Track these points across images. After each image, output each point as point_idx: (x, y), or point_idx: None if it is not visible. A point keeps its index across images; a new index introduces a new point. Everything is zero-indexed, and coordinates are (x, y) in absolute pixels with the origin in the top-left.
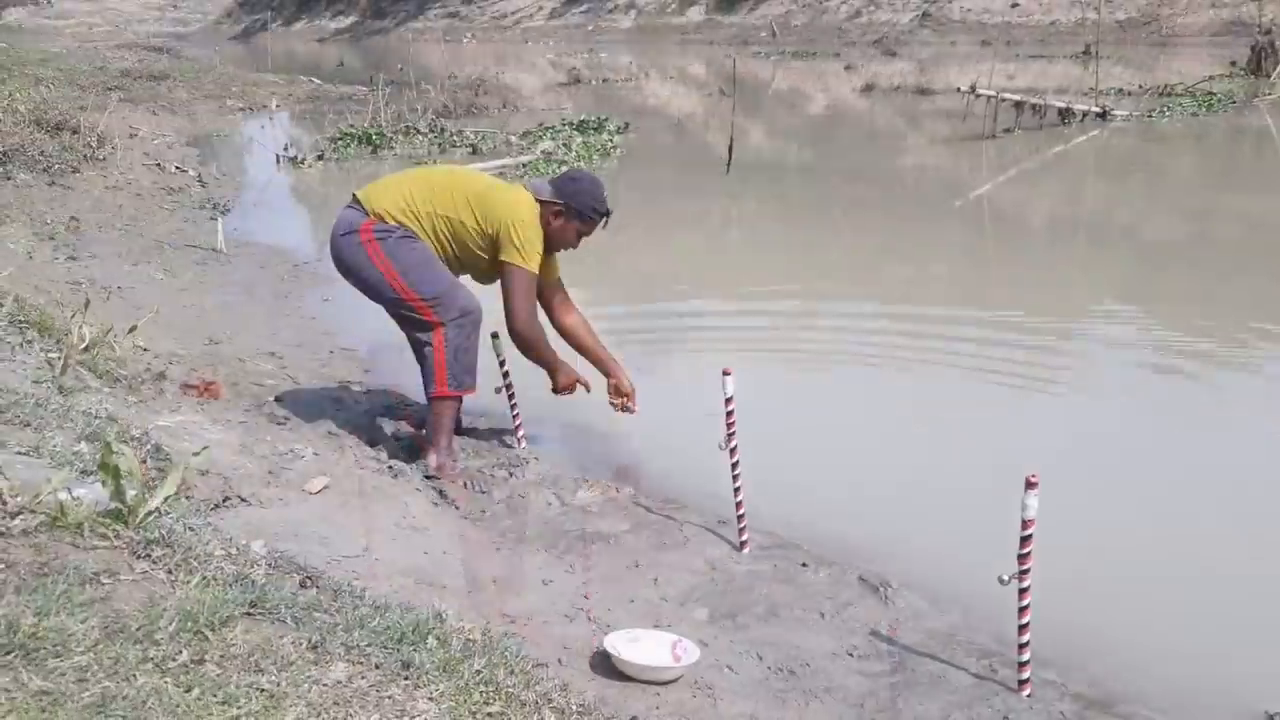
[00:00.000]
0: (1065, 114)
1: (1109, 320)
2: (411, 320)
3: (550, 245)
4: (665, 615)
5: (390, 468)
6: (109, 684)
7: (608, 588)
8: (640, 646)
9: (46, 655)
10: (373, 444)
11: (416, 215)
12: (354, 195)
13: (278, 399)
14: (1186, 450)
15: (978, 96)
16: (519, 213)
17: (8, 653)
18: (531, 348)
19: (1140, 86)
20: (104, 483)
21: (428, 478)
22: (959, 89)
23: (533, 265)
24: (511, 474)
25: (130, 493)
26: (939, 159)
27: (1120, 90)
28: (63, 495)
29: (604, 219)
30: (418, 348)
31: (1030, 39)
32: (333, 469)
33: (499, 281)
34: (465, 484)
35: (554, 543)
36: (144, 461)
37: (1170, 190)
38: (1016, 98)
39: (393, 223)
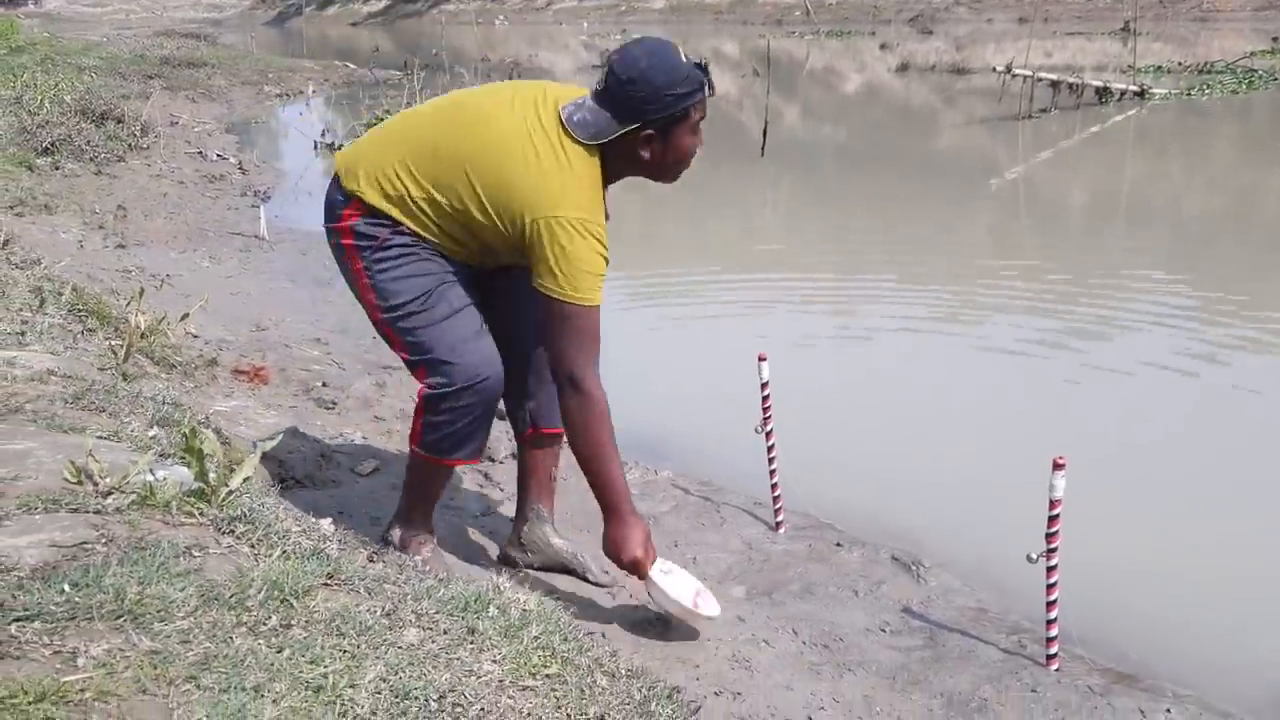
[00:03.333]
0: (1103, 93)
1: (1147, 299)
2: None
3: (657, 175)
4: None
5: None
6: (209, 645)
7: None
8: (672, 579)
9: (152, 620)
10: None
11: (408, 201)
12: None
13: (324, 384)
14: (1218, 428)
15: (1014, 77)
16: (560, 206)
17: (118, 617)
18: (587, 447)
19: (1180, 64)
20: (189, 464)
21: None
22: (995, 69)
23: (587, 295)
24: None
25: (212, 474)
26: (975, 139)
27: (1159, 68)
28: (148, 476)
29: (705, 90)
30: None
31: (1068, 15)
32: (380, 452)
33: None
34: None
35: (594, 524)
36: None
37: (1210, 168)
38: (1053, 77)
39: (383, 214)
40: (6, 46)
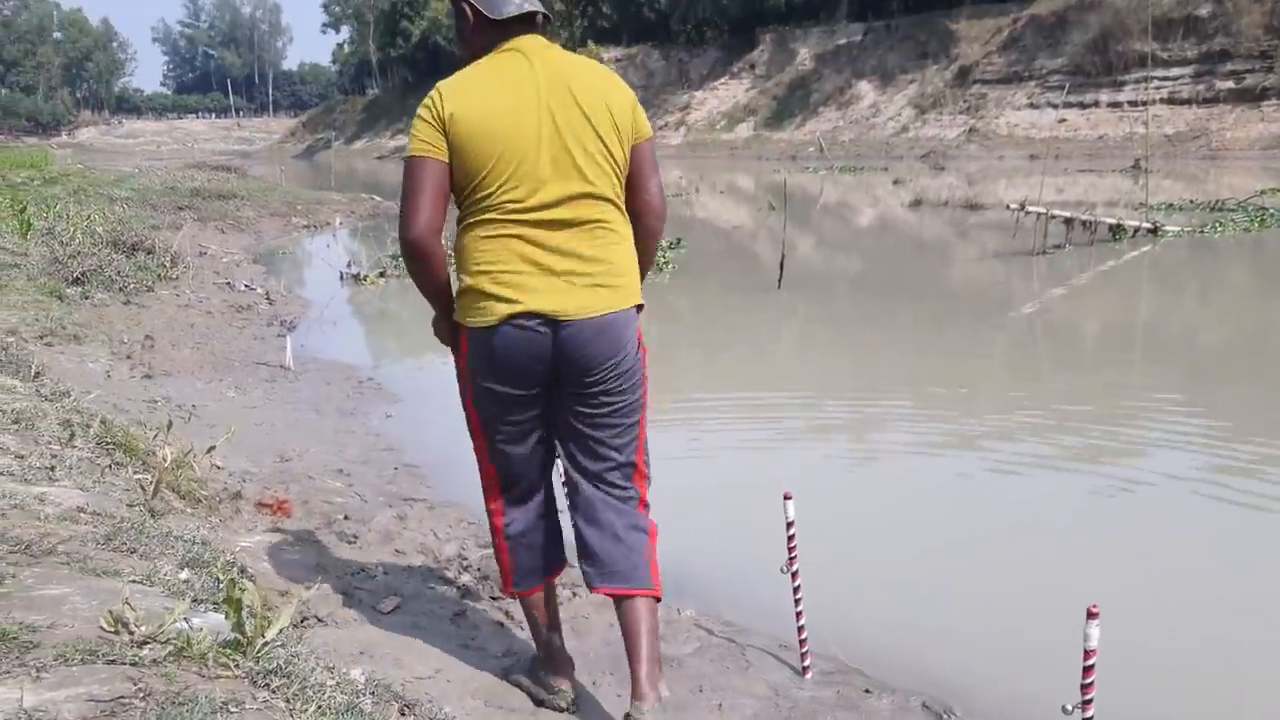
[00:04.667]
0: (1116, 229)
1: (1171, 435)
2: (616, 481)
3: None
4: None
5: (458, 587)
6: None
7: (674, 713)
8: None
9: None
10: (438, 562)
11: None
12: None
13: (345, 516)
14: (1253, 572)
15: (1027, 213)
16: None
17: None
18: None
19: (1191, 201)
20: (224, 613)
21: None
22: (1008, 206)
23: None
24: (574, 595)
25: (248, 624)
26: (990, 273)
27: (1171, 205)
28: (183, 625)
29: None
30: (613, 523)
31: (1078, 153)
32: (402, 588)
33: None
34: None
35: (617, 666)
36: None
37: (1226, 304)
38: (1066, 214)
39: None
40: (40, 177)
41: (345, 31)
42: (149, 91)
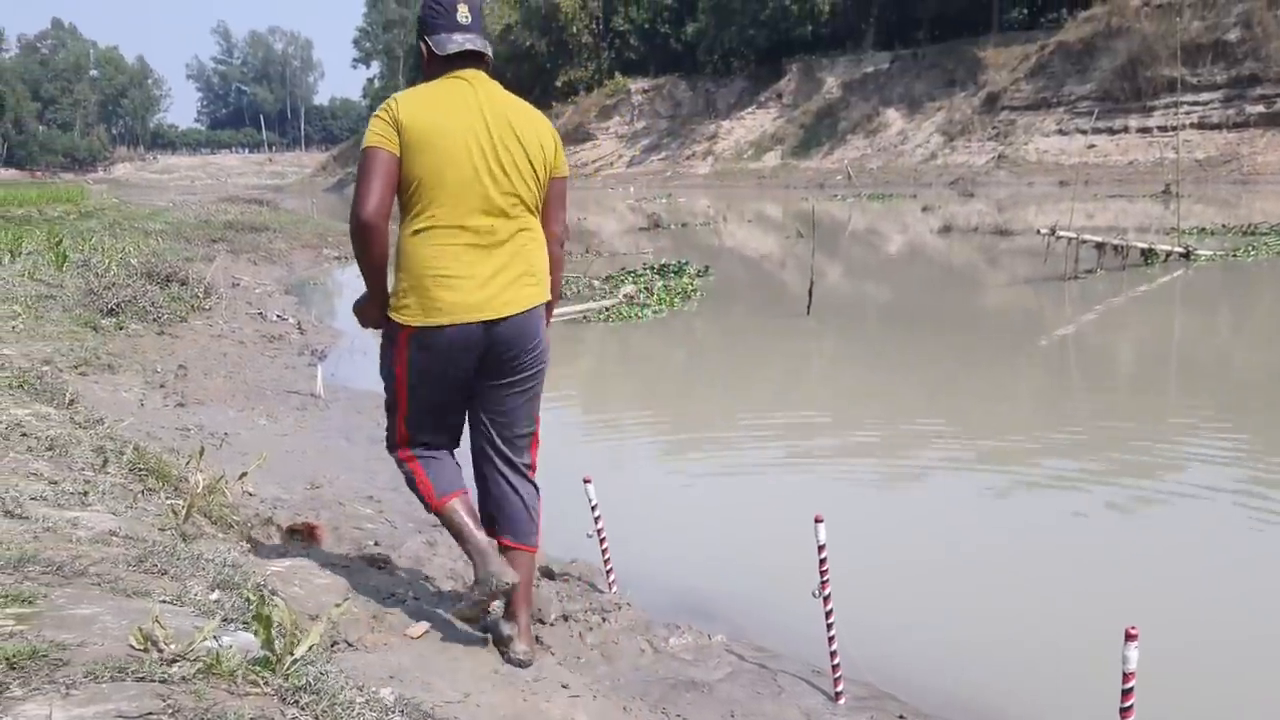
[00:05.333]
0: (1148, 254)
1: (1206, 460)
2: (522, 448)
3: None
4: None
5: (487, 612)
6: None
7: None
8: None
9: None
10: (468, 588)
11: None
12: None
13: (375, 542)
14: None
15: (1058, 238)
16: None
17: None
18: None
19: (1223, 225)
20: (254, 631)
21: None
22: (1039, 231)
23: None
24: (604, 620)
25: (278, 642)
26: (1021, 299)
27: (1202, 229)
28: (212, 643)
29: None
30: (514, 488)
31: (1108, 179)
32: (431, 614)
33: None
34: None
35: (647, 691)
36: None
37: (1261, 328)
38: (1098, 239)
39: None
40: (77, 212)
41: (375, 66)
42: (183, 127)
